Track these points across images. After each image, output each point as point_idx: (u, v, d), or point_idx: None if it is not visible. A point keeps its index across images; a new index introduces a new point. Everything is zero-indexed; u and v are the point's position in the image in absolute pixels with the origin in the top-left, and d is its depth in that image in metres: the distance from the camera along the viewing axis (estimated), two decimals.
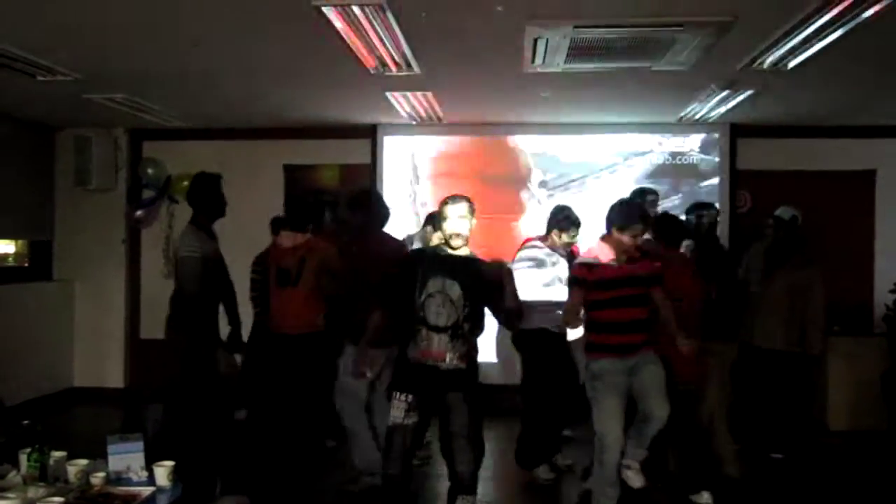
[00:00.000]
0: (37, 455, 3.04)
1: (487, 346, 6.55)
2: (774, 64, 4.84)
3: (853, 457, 5.82)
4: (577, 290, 4.26)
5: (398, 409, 3.72)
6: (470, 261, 3.79)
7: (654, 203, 5.61)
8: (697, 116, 6.71)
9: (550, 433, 5.19)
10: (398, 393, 3.75)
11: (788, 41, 4.37)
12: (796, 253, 5.55)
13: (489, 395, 6.43)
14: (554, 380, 5.00)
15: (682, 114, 6.70)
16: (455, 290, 3.66)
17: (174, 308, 4.65)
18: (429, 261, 3.82)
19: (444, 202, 3.80)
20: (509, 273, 3.84)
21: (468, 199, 3.79)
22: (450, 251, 3.78)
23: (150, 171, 7.41)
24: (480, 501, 4.68)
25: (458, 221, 3.72)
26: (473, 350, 3.81)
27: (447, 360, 3.67)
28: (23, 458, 3.08)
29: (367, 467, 4.72)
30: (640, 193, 5.50)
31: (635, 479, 4.20)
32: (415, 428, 3.74)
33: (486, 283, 3.75)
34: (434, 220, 4.97)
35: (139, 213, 7.50)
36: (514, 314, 3.91)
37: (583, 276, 4.22)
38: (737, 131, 7.17)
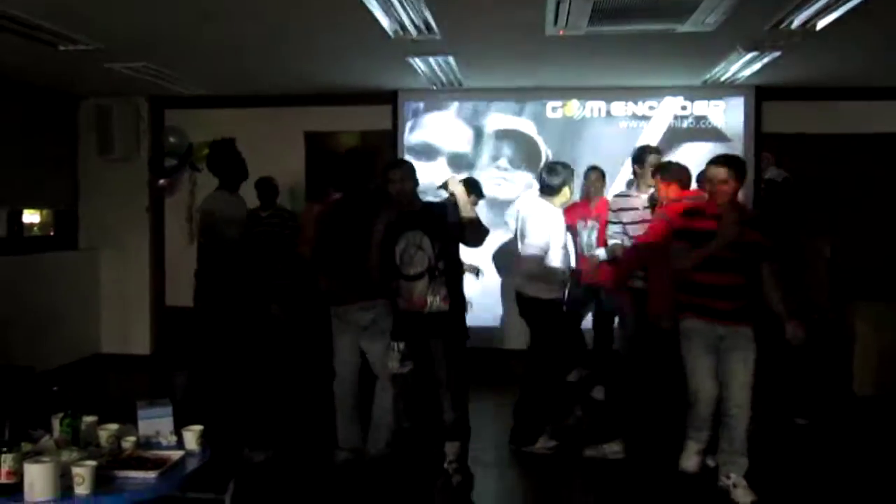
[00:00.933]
0: (69, 420, 3.07)
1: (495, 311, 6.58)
2: (802, 24, 4.73)
3: (879, 422, 5.76)
4: (684, 242, 4.06)
5: (393, 360, 4.08)
6: (426, 208, 4.24)
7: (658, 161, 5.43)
8: (723, 79, 6.60)
9: (552, 398, 5.04)
10: (392, 343, 4.10)
11: (817, 1, 4.26)
12: (791, 215, 5.45)
13: (504, 361, 6.53)
14: (566, 346, 4.99)
15: (707, 76, 6.59)
16: (420, 237, 4.07)
17: (206, 273, 4.67)
18: (397, 223, 4.19)
19: (386, 168, 4.24)
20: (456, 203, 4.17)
21: (408, 162, 4.37)
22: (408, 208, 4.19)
23: (171, 139, 7.43)
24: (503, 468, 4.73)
25: (401, 183, 4.14)
26: (458, 292, 4.12)
27: (428, 303, 4.03)
28: (55, 422, 3.12)
29: (344, 442, 4.56)
30: (641, 151, 5.31)
31: (745, 496, 4.02)
32: (414, 376, 4.08)
33: (445, 220, 4.12)
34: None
35: (162, 181, 7.54)
36: (468, 228, 4.15)
37: (687, 226, 4.07)
38: (762, 94, 7.05)
